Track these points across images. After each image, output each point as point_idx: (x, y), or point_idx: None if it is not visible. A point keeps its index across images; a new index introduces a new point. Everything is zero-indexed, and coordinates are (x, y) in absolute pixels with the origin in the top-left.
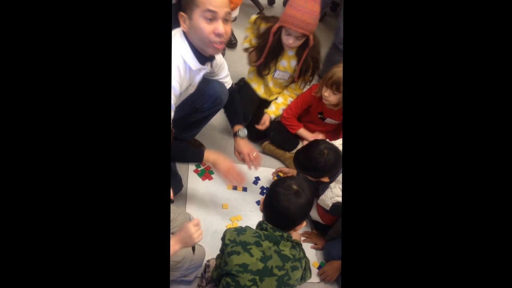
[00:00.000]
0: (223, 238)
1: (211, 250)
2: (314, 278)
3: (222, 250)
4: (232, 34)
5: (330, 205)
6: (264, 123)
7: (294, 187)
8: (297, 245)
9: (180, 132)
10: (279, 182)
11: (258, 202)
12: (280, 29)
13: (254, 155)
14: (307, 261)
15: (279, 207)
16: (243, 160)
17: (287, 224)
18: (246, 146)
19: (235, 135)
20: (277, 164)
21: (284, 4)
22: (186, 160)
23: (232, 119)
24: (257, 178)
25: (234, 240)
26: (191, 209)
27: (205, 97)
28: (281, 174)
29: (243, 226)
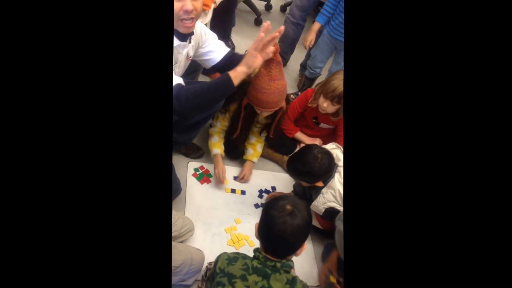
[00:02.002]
0: (215, 263)
1: (210, 253)
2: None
3: (212, 275)
4: (231, 40)
5: (323, 210)
6: (245, 175)
7: (288, 207)
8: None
9: (177, 135)
10: (271, 204)
11: (256, 205)
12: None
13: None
14: None
15: (275, 231)
16: None
17: (285, 249)
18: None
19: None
20: (275, 168)
21: (282, 10)
22: (218, 96)
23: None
24: (259, 189)
25: (223, 270)
26: (190, 213)
27: None
28: None
29: (239, 251)
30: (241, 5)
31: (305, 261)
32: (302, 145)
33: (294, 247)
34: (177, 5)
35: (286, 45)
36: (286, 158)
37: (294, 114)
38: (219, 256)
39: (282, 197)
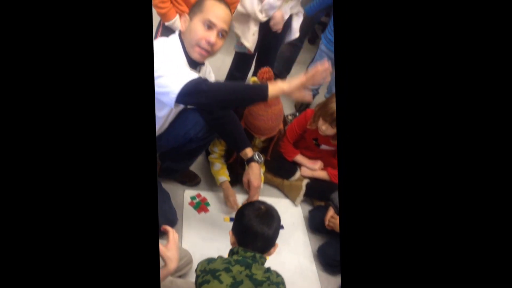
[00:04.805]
0: (195, 271)
1: None
2: None
3: (195, 283)
4: None
5: None
6: (234, 201)
7: (263, 207)
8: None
9: (173, 163)
10: (247, 206)
11: None
12: None
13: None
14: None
15: (252, 229)
16: (248, 190)
17: (262, 246)
18: (258, 178)
19: (249, 161)
20: (275, 193)
21: None
22: (248, 100)
23: (236, 143)
24: None
25: (204, 270)
26: (187, 244)
27: (199, 125)
28: None
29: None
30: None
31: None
32: (303, 168)
33: (269, 244)
34: (202, 33)
35: (283, 66)
36: (286, 182)
37: (293, 136)
38: (198, 264)
39: (256, 200)
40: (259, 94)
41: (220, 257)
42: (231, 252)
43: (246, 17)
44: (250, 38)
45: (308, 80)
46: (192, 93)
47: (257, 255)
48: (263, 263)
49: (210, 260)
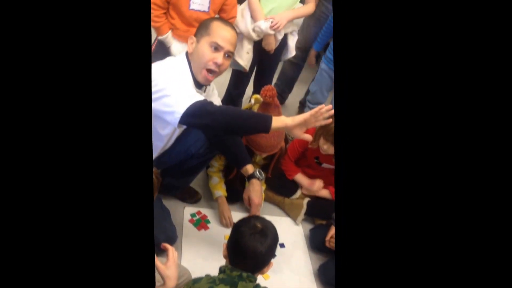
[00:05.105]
0: None
1: None
2: None
3: None
4: None
5: None
6: (228, 217)
7: (258, 225)
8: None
9: (174, 179)
10: (242, 223)
11: None
12: None
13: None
14: None
15: (246, 248)
16: (249, 207)
17: (255, 265)
18: (259, 195)
19: (250, 177)
20: (276, 211)
21: None
22: (250, 129)
23: (237, 159)
24: None
25: None
26: (187, 262)
27: (201, 142)
28: None
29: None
30: None
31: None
32: (299, 191)
33: (263, 264)
34: (209, 55)
35: (285, 85)
36: (287, 200)
37: (295, 154)
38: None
39: (252, 216)
40: (262, 124)
41: (207, 276)
42: (219, 271)
43: (240, 35)
44: (244, 57)
45: (310, 118)
46: (196, 115)
47: (244, 274)
48: (251, 281)
49: (196, 280)
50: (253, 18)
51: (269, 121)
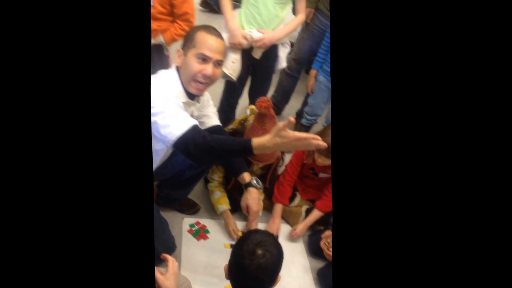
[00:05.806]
0: None
1: None
2: None
3: None
4: None
5: None
6: (234, 230)
7: (259, 252)
8: None
9: (171, 192)
10: (240, 251)
11: None
12: None
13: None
14: None
15: (251, 277)
16: (247, 215)
17: (264, 286)
18: (257, 203)
19: (247, 186)
20: None
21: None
22: (236, 152)
23: (234, 168)
24: None
25: None
26: (186, 271)
27: None
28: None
29: None
30: None
31: None
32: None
33: (271, 283)
34: (197, 67)
35: (282, 96)
36: (286, 208)
37: (295, 172)
38: None
39: (249, 238)
40: (245, 146)
41: None
42: None
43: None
44: (229, 66)
45: (295, 141)
46: (188, 144)
47: None
48: None
49: None
50: (225, 25)
51: (249, 142)
